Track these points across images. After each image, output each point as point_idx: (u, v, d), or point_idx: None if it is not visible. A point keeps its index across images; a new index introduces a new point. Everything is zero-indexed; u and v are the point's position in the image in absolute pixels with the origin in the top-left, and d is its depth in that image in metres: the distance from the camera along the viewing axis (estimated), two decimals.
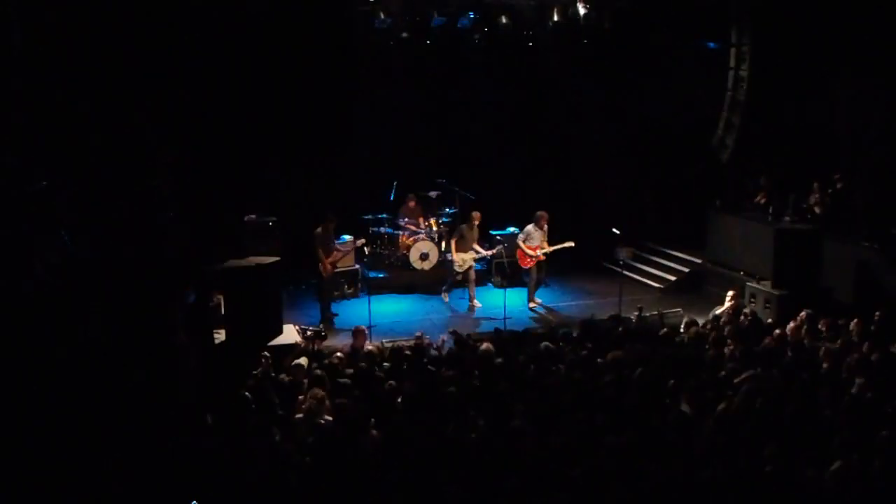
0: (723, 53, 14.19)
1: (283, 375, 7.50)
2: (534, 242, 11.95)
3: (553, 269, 12.96)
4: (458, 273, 12.06)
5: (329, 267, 11.28)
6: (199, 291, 8.98)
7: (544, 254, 11.92)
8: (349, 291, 12.32)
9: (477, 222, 12.09)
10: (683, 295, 12.58)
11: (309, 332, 9.04)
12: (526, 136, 15.20)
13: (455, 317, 11.52)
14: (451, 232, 12.73)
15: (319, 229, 11.34)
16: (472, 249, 12.10)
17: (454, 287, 12.28)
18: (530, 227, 12.05)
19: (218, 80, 11.71)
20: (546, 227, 12.01)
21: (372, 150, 14.18)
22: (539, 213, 12.05)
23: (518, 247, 12.12)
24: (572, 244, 11.85)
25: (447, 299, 12.18)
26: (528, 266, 12.08)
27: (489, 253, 12.16)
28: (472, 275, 12.05)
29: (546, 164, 15.28)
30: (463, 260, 11.96)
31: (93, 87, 7.03)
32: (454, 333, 8.74)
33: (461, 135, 14.86)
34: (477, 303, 11.93)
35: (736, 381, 6.73)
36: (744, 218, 12.79)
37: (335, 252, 11.50)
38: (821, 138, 12.96)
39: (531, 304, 12.04)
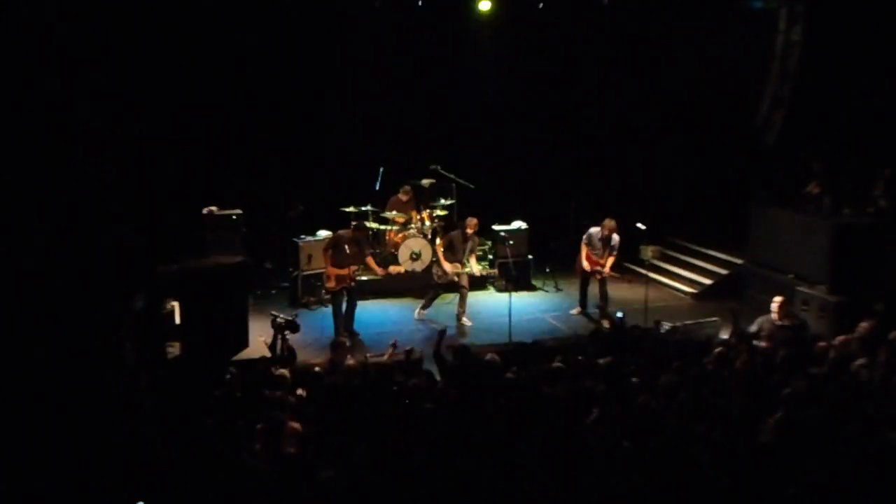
0: (770, 14, 14.06)
1: (267, 392, 7.44)
2: (596, 252, 11.87)
3: (565, 270, 12.87)
4: (439, 283, 11.87)
5: (331, 277, 10.99)
6: (149, 297, 8.92)
7: (600, 272, 11.82)
8: (326, 297, 12.22)
9: (472, 230, 11.81)
10: (721, 302, 12.49)
11: (280, 320, 8.91)
12: (535, 117, 15.16)
13: (450, 327, 11.43)
14: (440, 235, 12.54)
15: (344, 232, 11.16)
16: (462, 262, 11.86)
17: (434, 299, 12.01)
18: (595, 232, 11.90)
19: (171, 51, 11.62)
20: (612, 238, 11.81)
21: (354, 132, 14.16)
22: (608, 220, 11.85)
23: (579, 251, 12.05)
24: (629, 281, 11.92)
25: (421, 316, 11.91)
26: (580, 274, 12.05)
27: (479, 272, 11.99)
28: (464, 289, 11.79)
29: (559, 150, 15.26)
30: (444, 272, 11.79)
31: (17, 54, 6.91)
32: (454, 348, 8.65)
33: (459, 115, 14.81)
34: (467, 320, 11.76)
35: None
36: (794, 211, 12.68)
37: (352, 265, 11.05)
38: (887, 116, 12.86)
39: (606, 323, 11.73)
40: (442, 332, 8.96)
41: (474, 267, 11.95)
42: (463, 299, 11.79)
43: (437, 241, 12.24)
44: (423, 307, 11.89)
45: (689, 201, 14.99)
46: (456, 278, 11.75)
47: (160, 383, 8.00)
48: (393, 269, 11.61)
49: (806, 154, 13.29)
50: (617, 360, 7.94)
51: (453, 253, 11.84)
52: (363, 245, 11.25)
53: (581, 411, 6.75)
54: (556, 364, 7.87)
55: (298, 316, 9.16)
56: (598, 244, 11.84)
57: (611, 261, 11.89)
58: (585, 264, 11.92)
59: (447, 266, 11.74)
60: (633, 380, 7.45)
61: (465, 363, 8.13)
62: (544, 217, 14.31)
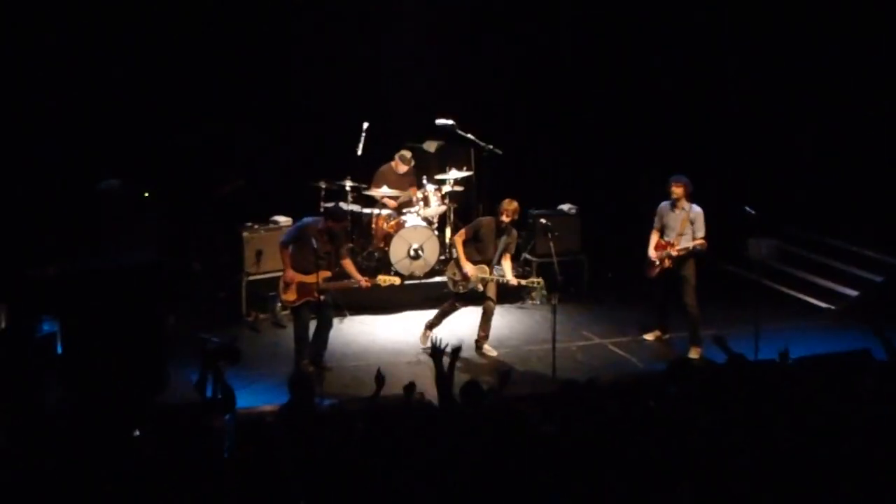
0: None
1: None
2: (670, 234, 11.69)
3: (636, 275, 12.68)
4: (456, 290, 11.72)
5: (292, 285, 10.81)
6: (13, 316, 8.80)
7: (670, 256, 11.57)
8: (284, 312, 12.13)
9: (509, 219, 11.62)
10: (872, 321, 12.33)
11: (211, 345, 8.81)
12: (589, 56, 15.19)
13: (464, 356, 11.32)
14: (453, 222, 12.47)
15: (311, 221, 10.99)
16: (490, 264, 11.65)
17: (449, 314, 11.81)
18: (665, 205, 11.77)
19: None
20: (687, 207, 11.60)
21: (326, 72, 14.21)
22: (677, 179, 11.60)
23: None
24: (703, 243, 11.52)
25: (426, 343, 11.69)
26: (652, 275, 11.88)
27: (517, 282, 11.79)
28: (491, 302, 11.67)
29: (624, 100, 15.27)
30: (464, 276, 11.57)
31: None
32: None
33: (480, 50, 14.86)
34: (490, 349, 11.73)
35: None
36: None
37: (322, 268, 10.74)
38: None
39: (694, 354, 11.56)
40: (456, 350, 8.78)
41: (508, 274, 11.71)
42: (487, 318, 11.67)
43: (458, 231, 12.11)
44: (430, 326, 11.75)
45: (823, 176, 14.87)
46: (481, 286, 11.60)
47: (31, 442, 7.81)
48: (384, 279, 11.35)
49: None
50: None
51: (480, 250, 11.65)
52: (339, 241, 11.10)
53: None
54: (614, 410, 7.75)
55: (238, 339, 8.99)
56: (673, 222, 11.65)
57: (695, 244, 11.47)
58: (653, 254, 11.71)
59: (469, 269, 11.53)
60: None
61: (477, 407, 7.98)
62: (604, 198, 14.37)
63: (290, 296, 10.89)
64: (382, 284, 11.32)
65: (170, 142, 13.30)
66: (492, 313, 11.63)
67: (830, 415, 7.79)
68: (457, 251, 11.69)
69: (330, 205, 12.37)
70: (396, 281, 11.52)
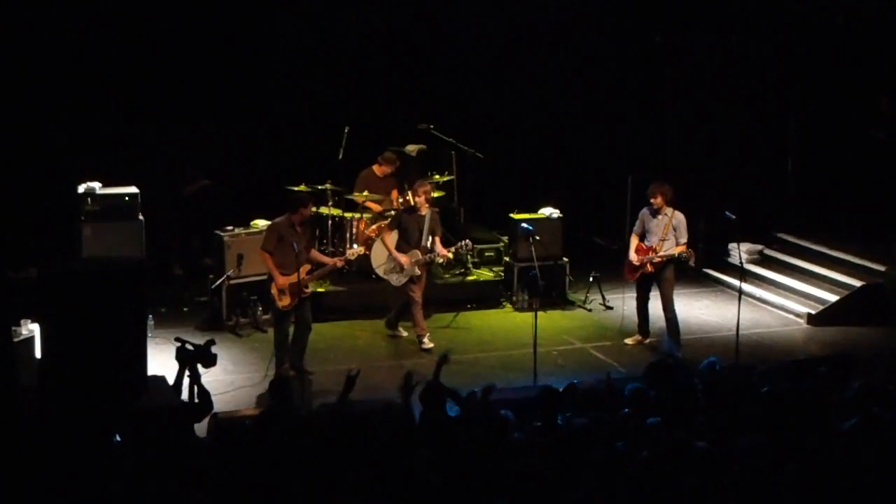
0: None
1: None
2: (652, 239, 11.71)
3: (618, 278, 12.80)
4: (399, 282, 11.93)
5: (285, 290, 10.77)
6: None
7: (653, 262, 11.58)
8: (265, 317, 12.14)
9: (421, 198, 11.81)
10: (851, 328, 12.47)
11: (189, 347, 8.71)
12: (574, 56, 15.11)
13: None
14: (442, 224, 12.54)
15: (281, 219, 11.01)
16: (422, 248, 11.82)
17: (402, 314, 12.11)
18: (645, 212, 11.79)
19: None
20: (669, 213, 11.61)
21: (305, 75, 14.20)
22: (656, 186, 11.59)
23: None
24: (689, 251, 11.57)
25: (401, 332, 12.11)
26: (632, 279, 11.94)
27: (446, 252, 11.94)
28: (418, 293, 11.87)
29: (609, 103, 15.20)
30: (399, 266, 11.76)
31: None
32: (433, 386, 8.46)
33: (462, 52, 14.79)
34: (428, 341, 11.86)
35: None
36: None
37: (305, 264, 10.82)
38: None
39: (631, 340, 11.85)
40: (443, 358, 8.79)
41: (439, 249, 11.89)
42: (416, 310, 11.85)
43: (384, 231, 12.26)
44: (423, 330, 11.91)
45: (805, 179, 14.91)
46: (417, 270, 11.78)
47: (9, 449, 7.80)
48: (352, 252, 11.56)
49: None
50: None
51: (407, 238, 11.84)
52: (309, 229, 11.22)
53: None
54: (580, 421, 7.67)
55: (215, 342, 8.89)
56: (655, 227, 11.66)
57: (678, 250, 11.51)
58: (634, 257, 11.70)
59: (402, 259, 11.74)
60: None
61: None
62: (587, 202, 14.33)
63: (286, 300, 10.81)
64: (353, 258, 11.60)
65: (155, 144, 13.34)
66: (420, 302, 11.91)
67: (807, 419, 7.86)
68: (387, 247, 11.89)
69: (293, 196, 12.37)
70: (362, 250, 11.85)
